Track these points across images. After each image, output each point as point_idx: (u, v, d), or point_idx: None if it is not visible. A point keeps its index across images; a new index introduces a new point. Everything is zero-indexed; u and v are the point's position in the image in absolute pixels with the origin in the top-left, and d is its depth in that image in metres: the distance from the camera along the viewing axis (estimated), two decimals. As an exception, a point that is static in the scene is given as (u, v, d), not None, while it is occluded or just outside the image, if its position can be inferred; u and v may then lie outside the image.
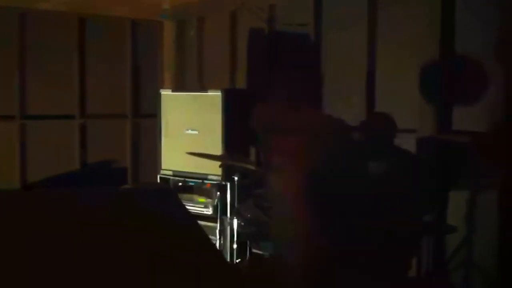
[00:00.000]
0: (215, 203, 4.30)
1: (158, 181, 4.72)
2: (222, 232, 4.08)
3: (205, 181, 4.45)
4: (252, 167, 3.72)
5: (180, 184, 4.56)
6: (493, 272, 3.40)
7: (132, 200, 1.82)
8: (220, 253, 3.58)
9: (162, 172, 4.73)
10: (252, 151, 4.83)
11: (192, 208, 4.41)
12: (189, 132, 4.54)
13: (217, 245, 3.97)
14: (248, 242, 3.82)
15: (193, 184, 4.52)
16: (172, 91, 4.84)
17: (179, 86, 5.45)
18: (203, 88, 4.82)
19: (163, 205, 1.85)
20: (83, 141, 5.20)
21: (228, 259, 3.91)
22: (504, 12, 3.38)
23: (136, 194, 1.96)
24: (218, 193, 4.22)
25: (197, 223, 1.91)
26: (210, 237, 3.97)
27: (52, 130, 5.07)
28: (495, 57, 3.46)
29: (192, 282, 1.60)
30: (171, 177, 4.65)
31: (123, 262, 1.51)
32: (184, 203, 3.63)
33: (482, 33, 3.49)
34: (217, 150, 4.26)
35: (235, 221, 3.70)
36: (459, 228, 3.36)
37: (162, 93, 4.78)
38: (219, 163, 3.93)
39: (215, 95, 4.43)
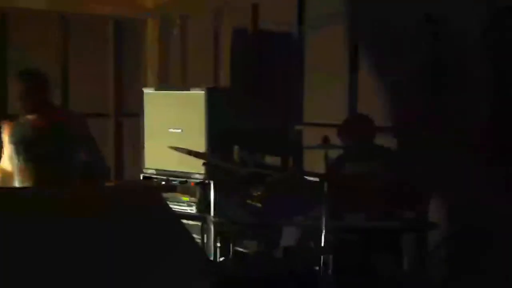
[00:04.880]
0: (199, 202, 4.30)
1: (142, 180, 4.71)
2: (206, 231, 4.08)
3: (189, 180, 4.44)
4: (236, 167, 3.73)
5: (164, 183, 4.55)
6: (472, 269, 3.44)
7: (114, 198, 1.81)
8: (203, 251, 3.57)
9: (145, 171, 4.72)
10: (236, 150, 4.83)
11: (175, 207, 4.41)
12: (173, 130, 4.53)
13: (201, 243, 3.97)
14: (231, 241, 3.82)
15: (176, 182, 4.51)
16: (155, 89, 4.82)
17: (162, 84, 5.43)
18: (187, 87, 4.82)
19: (146, 203, 1.85)
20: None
21: (212, 258, 3.90)
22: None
23: (118, 192, 1.96)
24: (202, 191, 4.22)
25: (180, 221, 1.91)
26: (194, 235, 3.96)
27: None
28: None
29: (176, 280, 1.60)
30: (155, 176, 4.64)
31: (104, 260, 1.51)
32: (167, 202, 3.62)
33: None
34: (201, 149, 4.26)
35: (219, 220, 3.70)
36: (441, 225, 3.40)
37: (145, 91, 4.76)
38: (202, 161, 3.92)
39: (198, 94, 4.42)
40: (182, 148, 3.83)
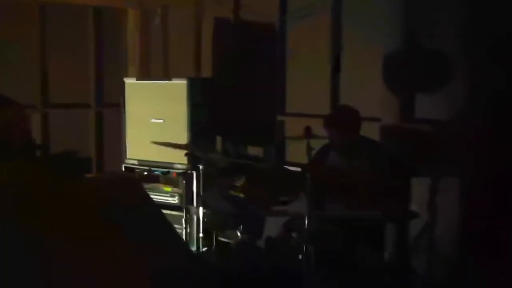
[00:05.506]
0: (181, 192, 4.30)
1: (123, 170, 4.69)
2: (188, 221, 4.08)
3: (171, 170, 4.44)
4: (218, 157, 3.73)
5: (146, 173, 4.54)
6: (453, 257, 3.49)
7: (96, 189, 1.80)
8: (184, 242, 3.58)
9: (127, 161, 4.69)
10: (218, 140, 4.84)
11: (158, 197, 4.40)
12: (154, 121, 4.51)
13: (183, 234, 3.97)
14: (214, 231, 3.83)
15: (158, 173, 4.50)
16: (137, 79, 4.79)
17: (143, 74, 5.40)
18: (168, 77, 4.79)
19: (127, 194, 1.84)
20: (45, 130, 5.11)
21: (194, 248, 3.91)
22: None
23: (99, 183, 1.94)
24: (184, 182, 4.21)
25: (161, 212, 1.90)
26: (176, 226, 3.96)
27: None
28: (457, 47, 3.53)
29: (156, 271, 1.60)
30: (136, 167, 4.62)
31: (86, 253, 1.50)
32: (149, 193, 3.58)
33: (445, 23, 3.56)
34: (183, 139, 4.25)
35: (201, 210, 3.70)
36: (421, 214, 3.44)
37: (126, 82, 4.73)
38: (184, 152, 3.92)
39: (180, 84, 4.41)
40: (164, 142, 3.82)
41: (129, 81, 4.74)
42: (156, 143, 3.85)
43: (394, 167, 3.36)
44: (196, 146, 3.89)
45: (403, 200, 3.56)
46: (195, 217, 3.99)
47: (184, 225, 4.03)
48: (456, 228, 3.47)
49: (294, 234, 3.15)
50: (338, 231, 3.10)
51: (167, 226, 1.91)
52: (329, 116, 3.56)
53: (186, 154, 3.96)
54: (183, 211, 4.11)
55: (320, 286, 2.96)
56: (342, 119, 3.44)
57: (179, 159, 4.21)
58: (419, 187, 3.58)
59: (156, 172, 4.51)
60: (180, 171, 4.35)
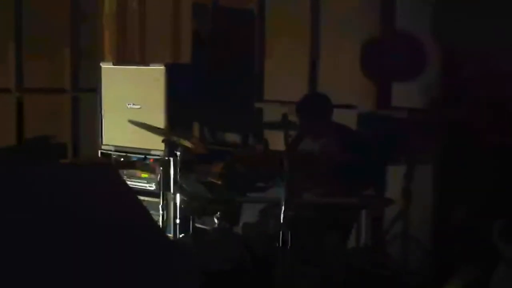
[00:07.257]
0: (158, 179, 4.28)
1: (99, 156, 4.65)
2: (165, 208, 4.07)
3: (148, 157, 4.41)
4: (194, 143, 3.72)
5: (122, 159, 4.51)
6: (427, 243, 3.55)
7: (71, 175, 1.78)
8: (161, 228, 3.57)
9: (103, 147, 4.65)
10: (196, 126, 4.82)
11: (134, 183, 4.37)
12: (131, 106, 4.48)
13: (160, 220, 3.96)
14: (191, 217, 3.83)
15: (135, 159, 4.48)
16: (113, 64, 4.74)
17: (120, 59, 5.34)
18: (146, 62, 4.75)
19: (103, 180, 1.83)
20: (20, 115, 5.04)
21: (171, 234, 3.91)
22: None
23: (75, 170, 1.93)
24: (161, 168, 4.20)
25: (138, 199, 1.90)
26: (153, 212, 3.95)
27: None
28: (434, 33, 3.56)
29: (134, 258, 1.60)
30: (113, 153, 4.58)
31: (63, 240, 1.49)
32: (126, 179, 3.57)
33: (422, 9, 3.59)
34: (160, 125, 4.22)
35: (178, 197, 3.70)
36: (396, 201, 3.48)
37: (102, 66, 4.67)
38: (162, 138, 3.90)
39: (158, 69, 4.37)
40: (142, 123, 3.80)
41: (106, 66, 4.68)
42: (133, 122, 3.83)
43: (368, 152, 3.39)
44: (174, 132, 3.87)
45: (377, 187, 3.60)
46: (172, 204, 3.98)
47: (161, 212, 4.02)
48: (431, 214, 3.53)
49: (271, 221, 3.16)
50: (314, 217, 3.13)
51: (143, 212, 1.90)
52: (298, 103, 3.60)
53: (163, 141, 3.94)
54: (160, 198, 4.10)
55: (296, 273, 2.98)
56: (311, 106, 3.51)
57: (156, 145, 4.18)
58: (394, 174, 3.62)
59: (133, 158, 4.49)
60: (157, 157, 4.33)
